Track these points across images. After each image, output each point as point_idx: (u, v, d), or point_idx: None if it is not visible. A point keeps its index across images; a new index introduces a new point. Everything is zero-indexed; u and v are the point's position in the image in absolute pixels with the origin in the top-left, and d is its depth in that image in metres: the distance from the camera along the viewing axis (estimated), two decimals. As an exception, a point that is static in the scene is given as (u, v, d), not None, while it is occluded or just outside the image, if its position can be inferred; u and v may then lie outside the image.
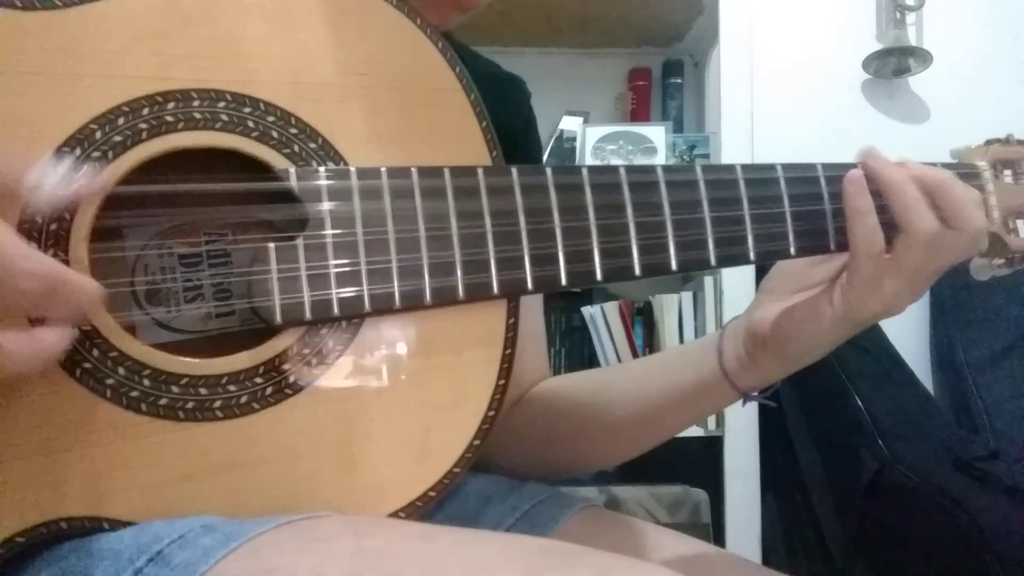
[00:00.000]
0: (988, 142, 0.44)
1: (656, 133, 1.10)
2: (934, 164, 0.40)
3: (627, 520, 0.45)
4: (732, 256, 0.37)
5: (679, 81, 1.21)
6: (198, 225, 0.33)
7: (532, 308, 0.51)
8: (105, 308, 0.28)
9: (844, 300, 0.36)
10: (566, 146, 1.13)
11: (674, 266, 0.36)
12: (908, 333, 1.15)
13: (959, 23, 1.24)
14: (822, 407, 0.96)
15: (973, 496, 0.81)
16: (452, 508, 0.44)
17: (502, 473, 0.48)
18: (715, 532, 0.95)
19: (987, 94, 1.23)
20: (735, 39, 1.03)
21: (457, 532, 0.28)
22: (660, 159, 1.08)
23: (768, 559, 0.99)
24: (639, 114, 1.21)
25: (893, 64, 1.21)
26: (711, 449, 0.97)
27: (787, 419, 1.00)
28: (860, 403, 0.93)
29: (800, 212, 0.38)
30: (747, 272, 0.97)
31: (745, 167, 0.37)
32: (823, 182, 0.38)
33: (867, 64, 1.20)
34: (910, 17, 1.22)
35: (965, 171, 0.42)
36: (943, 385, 1.13)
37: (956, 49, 1.22)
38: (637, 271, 0.35)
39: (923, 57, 1.18)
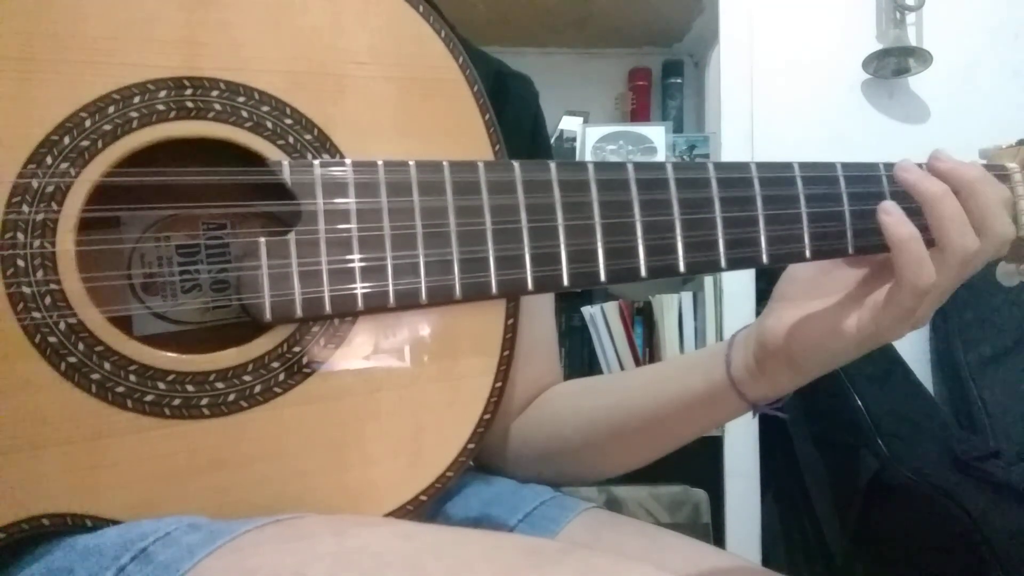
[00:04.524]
0: (1022, 142, 0.42)
1: (656, 133, 1.09)
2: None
3: (630, 522, 0.45)
4: (743, 258, 0.35)
5: (679, 81, 1.21)
6: (196, 216, 0.32)
7: (544, 310, 0.50)
8: (91, 302, 0.28)
9: (874, 323, 0.34)
10: (566, 146, 1.13)
11: (682, 268, 0.34)
12: (908, 333, 1.15)
13: (959, 23, 1.23)
14: (822, 407, 0.96)
15: (973, 496, 0.80)
16: (455, 509, 0.43)
17: (505, 475, 0.48)
18: (715, 532, 0.94)
19: (987, 94, 1.23)
20: (735, 39, 1.03)
21: (440, 531, 0.28)
22: (660, 159, 1.07)
23: (768, 559, 0.98)
24: (639, 114, 1.20)
25: (893, 64, 1.20)
26: (711, 449, 0.97)
27: (787, 419, 1.00)
28: (860, 403, 0.92)
29: (817, 213, 0.36)
30: (747, 272, 0.96)
31: (760, 165, 0.36)
32: (842, 182, 0.37)
33: (867, 64, 1.20)
34: (910, 17, 1.21)
35: (994, 173, 0.40)
36: (943, 385, 1.12)
37: (956, 49, 1.22)
38: (643, 272, 0.34)
39: (923, 57, 1.18)
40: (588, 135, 1.10)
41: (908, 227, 0.34)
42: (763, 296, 1.00)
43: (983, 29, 1.25)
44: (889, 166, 0.38)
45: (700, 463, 0.98)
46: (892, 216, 0.34)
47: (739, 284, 0.97)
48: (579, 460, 0.46)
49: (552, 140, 1.15)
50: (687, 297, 1.03)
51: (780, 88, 1.21)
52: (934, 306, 0.35)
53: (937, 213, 0.34)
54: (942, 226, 0.34)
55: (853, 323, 0.35)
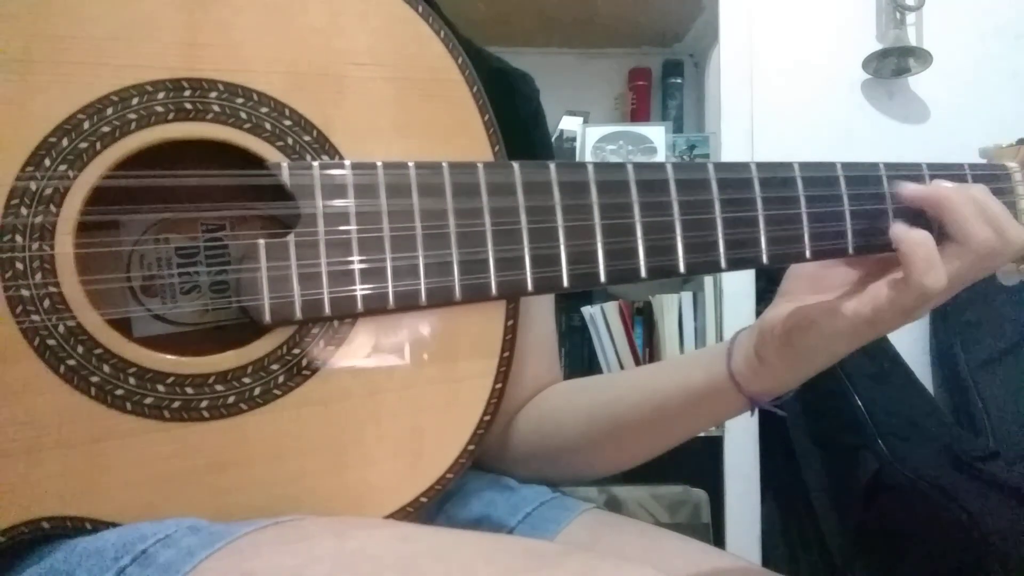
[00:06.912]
0: (1022, 141, 0.42)
1: (656, 133, 1.09)
2: (960, 165, 0.39)
3: (630, 522, 0.45)
4: (743, 259, 0.35)
5: (679, 81, 1.21)
6: (195, 218, 0.32)
7: (543, 310, 0.50)
8: (90, 304, 0.28)
9: (873, 312, 0.34)
10: (566, 146, 1.13)
11: (682, 269, 0.34)
12: (908, 333, 1.15)
13: (959, 23, 1.23)
14: (822, 407, 0.96)
15: (973, 496, 0.80)
16: (454, 510, 0.43)
17: (504, 474, 0.48)
18: (715, 532, 0.94)
19: (987, 94, 1.23)
20: (735, 39, 1.03)
21: (440, 533, 0.28)
22: (660, 159, 1.07)
23: (768, 559, 0.98)
24: (639, 114, 1.20)
25: (893, 64, 1.20)
26: (711, 449, 0.97)
27: (787, 419, 1.00)
28: (860, 403, 0.92)
29: (817, 213, 0.36)
30: (747, 272, 0.96)
31: (760, 165, 0.36)
32: (842, 182, 0.37)
33: (867, 64, 1.20)
34: (910, 17, 1.21)
35: (994, 172, 0.40)
36: (943, 385, 1.12)
37: (956, 49, 1.22)
38: (643, 273, 0.34)
39: (923, 57, 1.18)
40: (588, 135, 1.10)
41: (919, 231, 0.35)
42: (763, 296, 1.00)
43: (983, 29, 1.24)
44: (889, 166, 0.38)
45: (700, 463, 0.98)
46: (901, 226, 0.36)
47: (739, 284, 0.97)
48: (578, 457, 0.46)
49: (552, 140, 1.16)
50: (687, 297, 1.03)
51: (780, 88, 1.20)
52: (936, 304, 0.36)
53: (961, 211, 0.35)
54: (967, 221, 0.35)
55: (851, 306, 0.35)
